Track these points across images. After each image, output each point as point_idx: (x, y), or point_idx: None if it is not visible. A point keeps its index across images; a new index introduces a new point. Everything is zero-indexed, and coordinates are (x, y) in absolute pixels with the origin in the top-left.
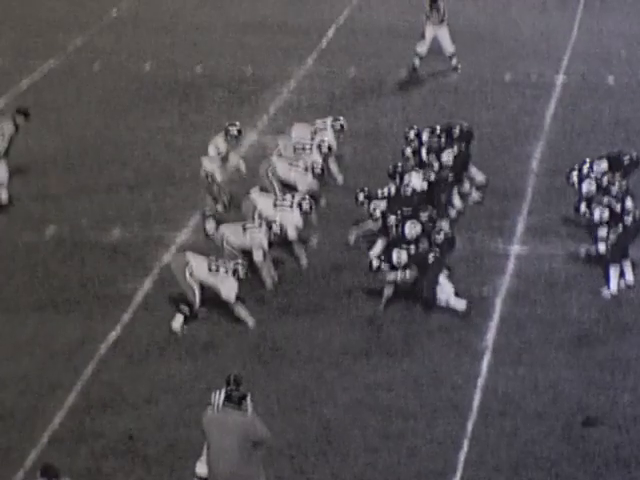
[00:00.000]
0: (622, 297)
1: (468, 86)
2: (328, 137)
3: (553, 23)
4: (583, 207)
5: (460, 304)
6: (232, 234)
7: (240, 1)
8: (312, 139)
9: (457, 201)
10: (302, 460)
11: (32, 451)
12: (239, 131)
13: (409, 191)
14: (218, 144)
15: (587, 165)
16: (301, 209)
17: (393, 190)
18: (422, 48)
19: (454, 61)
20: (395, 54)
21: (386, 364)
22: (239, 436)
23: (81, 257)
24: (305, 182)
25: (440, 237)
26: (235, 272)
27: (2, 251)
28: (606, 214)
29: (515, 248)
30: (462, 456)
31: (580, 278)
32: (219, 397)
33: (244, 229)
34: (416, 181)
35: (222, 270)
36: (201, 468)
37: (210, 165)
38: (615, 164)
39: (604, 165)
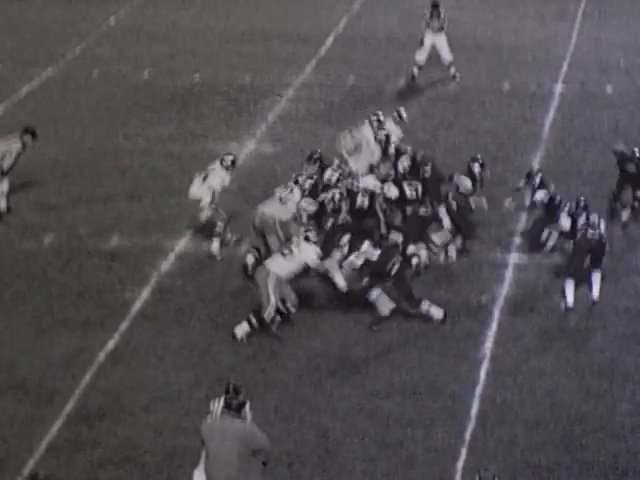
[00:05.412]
0: (620, 306)
1: (467, 95)
2: (391, 129)
3: (552, 32)
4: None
5: (438, 313)
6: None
7: (239, 10)
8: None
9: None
10: (300, 468)
11: (30, 460)
12: (233, 162)
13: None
14: (225, 178)
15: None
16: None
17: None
18: (421, 56)
19: (452, 70)
20: (394, 62)
21: (384, 373)
22: (238, 444)
23: (79, 265)
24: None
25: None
26: (307, 239)
27: (1, 259)
28: (568, 224)
29: (513, 257)
30: (460, 464)
31: (578, 287)
32: (218, 405)
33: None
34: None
35: (294, 248)
36: (199, 476)
37: (201, 192)
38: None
39: None
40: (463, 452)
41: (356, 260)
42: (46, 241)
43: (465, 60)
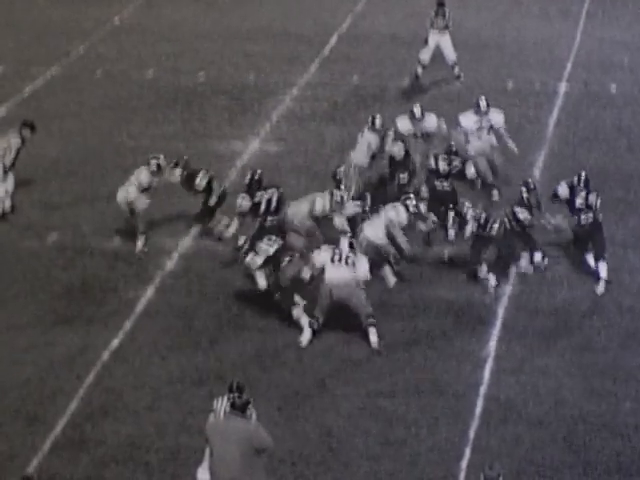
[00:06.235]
0: (624, 305)
1: (470, 94)
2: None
3: (556, 31)
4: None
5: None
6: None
7: (243, 9)
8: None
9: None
10: (304, 468)
11: (34, 458)
12: (158, 165)
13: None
14: (140, 175)
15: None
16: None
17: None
18: (425, 56)
19: (456, 69)
20: (398, 62)
21: (388, 372)
22: (242, 443)
23: (83, 264)
24: None
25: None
26: (351, 246)
27: (4, 258)
28: (566, 192)
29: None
30: (464, 463)
31: (583, 286)
32: (222, 404)
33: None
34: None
35: (356, 257)
36: (203, 474)
37: (133, 194)
38: None
39: None
40: (467, 451)
41: (257, 259)
42: (49, 240)
43: (469, 59)
